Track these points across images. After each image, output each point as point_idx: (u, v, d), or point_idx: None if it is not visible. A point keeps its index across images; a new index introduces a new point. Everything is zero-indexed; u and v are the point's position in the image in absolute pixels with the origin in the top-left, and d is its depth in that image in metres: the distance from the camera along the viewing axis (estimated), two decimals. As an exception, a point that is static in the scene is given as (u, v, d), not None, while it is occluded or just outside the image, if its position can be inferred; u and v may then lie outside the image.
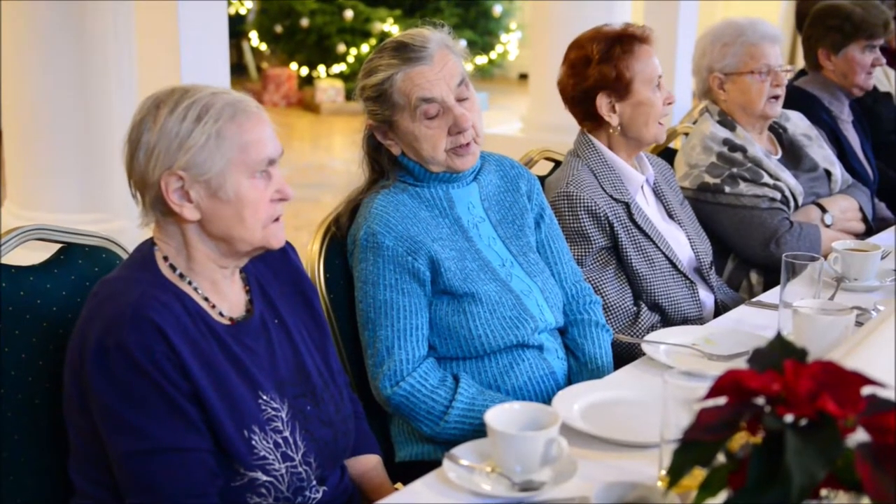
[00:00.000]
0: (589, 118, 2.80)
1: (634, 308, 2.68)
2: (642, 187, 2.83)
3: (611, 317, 2.62)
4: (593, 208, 2.66)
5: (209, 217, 1.73)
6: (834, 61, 3.78)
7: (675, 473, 1.20)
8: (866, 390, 1.17)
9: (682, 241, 2.86)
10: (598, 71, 2.73)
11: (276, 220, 1.80)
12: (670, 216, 2.90)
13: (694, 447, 1.20)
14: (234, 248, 1.78)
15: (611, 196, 2.72)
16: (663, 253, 2.75)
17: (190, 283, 1.77)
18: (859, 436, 1.15)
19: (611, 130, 2.78)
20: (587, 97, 2.76)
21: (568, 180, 2.70)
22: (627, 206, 2.73)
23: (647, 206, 2.83)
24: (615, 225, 2.68)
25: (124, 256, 2.04)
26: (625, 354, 2.50)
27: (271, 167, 1.77)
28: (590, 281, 2.61)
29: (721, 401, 1.21)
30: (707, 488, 1.20)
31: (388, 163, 2.30)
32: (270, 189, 1.77)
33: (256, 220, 1.76)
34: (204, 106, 1.71)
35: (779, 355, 1.23)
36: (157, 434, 1.65)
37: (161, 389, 1.65)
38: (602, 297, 2.60)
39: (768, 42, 3.26)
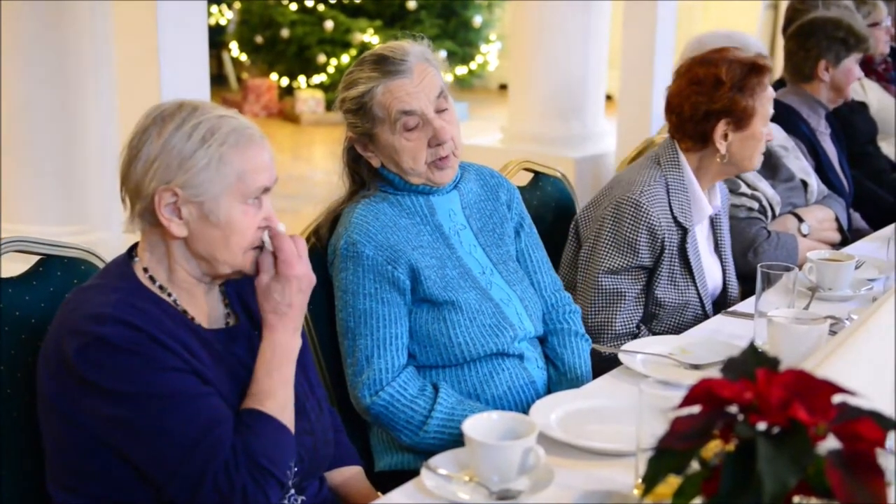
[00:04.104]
0: (695, 139, 2.73)
1: (635, 330, 2.67)
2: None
3: (605, 334, 2.62)
4: (655, 228, 2.63)
5: (196, 236, 1.75)
6: (832, 73, 3.80)
7: (650, 481, 1.22)
8: (837, 398, 1.19)
9: (716, 277, 2.85)
10: (730, 97, 2.66)
11: (258, 247, 1.81)
12: (717, 248, 2.89)
13: (668, 455, 1.21)
14: (215, 269, 1.79)
15: (675, 218, 2.68)
16: (696, 289, 2.73)
17: (169, 294, 1.78)
18: (830, 443, 1.17)
19: (718, 158, 2.72)
20: (706, 119, 2.69)
21: (642, 189, 2.66)
22: (685, 232, 2.70)
23: (701, 236, 2.81)
24: (666, 250, 2.66)
25: (103, 268, 2.04)
26: (603, 365, 2.51)
27: (264, 195, 1.79)
28: (607, 288, 2.62)
29: (695, 409, 1.23)
30: (681, 496, 1.22)
31: (368, 174, 2.31)
32: (259, 217, 1.79)
33: (241, 246, 1.77)
34: (210, 128, 1.72)
35: (751, 364, 1.25)
36: (162, 382, 1.65)
37: (153, 363, 1.65)
38: (612, 309, 2.61)
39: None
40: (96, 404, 1.67)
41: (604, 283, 2.65)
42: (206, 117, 1.73)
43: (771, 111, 2.75)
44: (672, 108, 2.77)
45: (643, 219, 2.62)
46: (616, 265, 2.64)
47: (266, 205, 1.80)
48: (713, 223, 2.89)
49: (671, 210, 2.68)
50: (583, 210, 2.86)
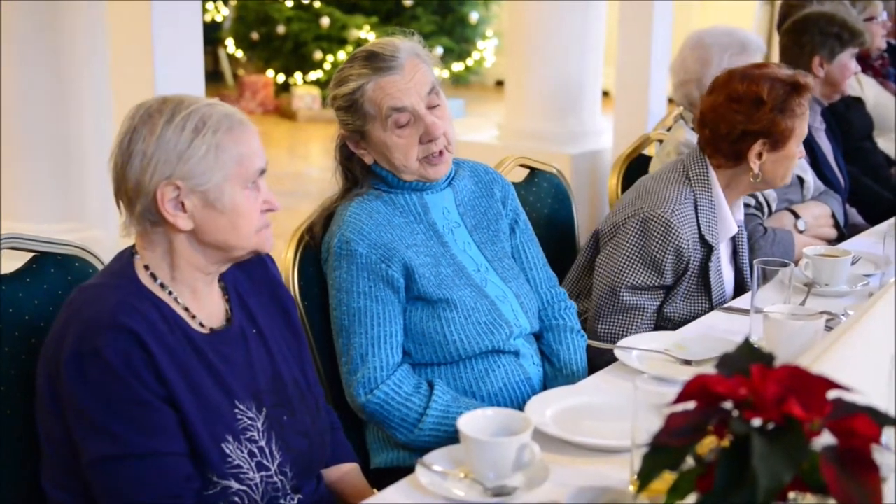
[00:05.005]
0: (728, 156, 2.65)
1: None
2: None
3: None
4: (683, 250, 2.57)
5: (203, 226, 1.74)
6: (827, 68, 3.80)
7: (645, 477, 1.21)
8: (831, 394, 1.19)
9: (730, 288, 2.81)
10: (770, 118, 2.57)
11: (267, 227, 1.82)
12: (734, 257, 2.86)
13: (663, 451, 1.21)
14: (227, 255, 1.80)
15: (701, 237, 2.62)
16: (711, 307, 2.68)
17: (170, 292, 1.78)
18: (825, 439, 1.17)
19: (750, 178, 2.65)
20: (743, 138, 2.61)
21: (673, 207, 2.58)
22: (710, 251, 2.65)
23: (724, 252, 2.77)
24: (689, 270, 2.61)
25: (98, 266, 2.03)
26: (599, 361, 2.50)
27: (260, 178, 1.80)
28: (628, 303, 2.59)
29: (690, 406, 1.23)
30: (676, 492, 1.21)
31: (360, 171, 2.31)
32: (260, 199, 1.80)
33: (250, 229, 1.78)
34: (201, 117, 1.72)
35: (746, 360, 1.24)
36: (130, 438, 1.66)
37: (137, 394, 1.65)
38: (628, 322, 2.59)
39: (761, 54, 3.32)
40: (69, 411, 1.68)
41: (624, 298, 2.61)
42: (194, 107, 1.73)
43: (806, 130, 2.68)
44: (706, 122, 2.67)
45: (672, 240, 2.56)
46: (640, 282, 2.59)
47: (264, 187, 1.81)
48: (734, 238, 2.85)
49: (699, 228, 2.62)
50: (605, 219, 2.79)
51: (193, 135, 1.70)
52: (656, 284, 2.61)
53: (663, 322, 2.67)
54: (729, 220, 2.70)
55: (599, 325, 2.63)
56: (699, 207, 2.63)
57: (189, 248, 1.77)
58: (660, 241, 2.57)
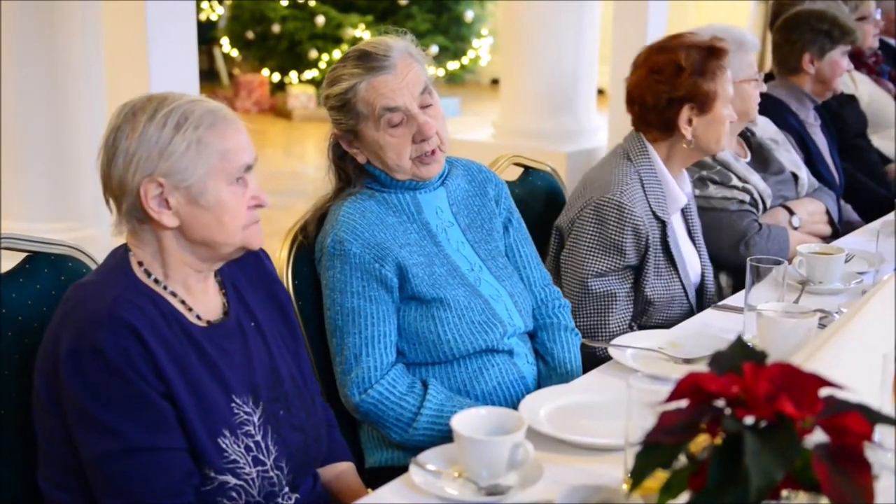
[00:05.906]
0: (660, 127, 2.72)
1: (628, 329, 2.65)
2: None
3: (600, 335, 2.61)
4: (639, 226, 2.61)
5: (188, 223, 1.74)
6: (817, 65, 3.81)
7: (638, 476, 1.21)
8: (824, 392, 1.19)
9: (695, 266, 2.84)
10: (692, 83, 2.66)
11: (256, 223, 1.82)
12: (691, 236, 2.88)
13: (655, 450, 1.21)
14: (216, 252, 1.79)
15: (653, 212, 2.67)
16: (681, 281, 2.72)
17: (165, 287, 1.78)
18: (817, 437, 1.17)
19: (684, 144, 2.71)
20: (669, 106, 2.68)
21: (622, 188, 2.64)
22: (664, 225, 2.69)
23: (678, 226, 2.80)
24: (650, 246, 2.64)
25: (91, 265, 2.03)
26: (593, 359, 2.50)
27: (247, 174, 1.79)
28: (597, 291, 2.61)
29: (682, 404, 1.23)
30: (668, 490, 1.21)
31: (353, 170, 2.31)
32: (247, 196, 1.79)
33: (236, 225, 1.77)
34: (183, 113, 1.72)
35: (738, 358, 1.24)
36: (132, 434, 1.66)
37: (136, 389, 1.65)
38: (605, 311, 2.60)
39: (756, 52, 3.33)
40: (69, 409, 1.68)
41: (593, 287, 2.63)
42: (176, 104, 1.73)
43: (731, 92, 2.75)
44: (633, 99, 2.76)
45: (627, 219, 2.61)
46: (603, 267, 2.63)
47: (252, 183, 1.80)
48: (684, 212, 2.89)
49: (648, 203, 2.67)
50: (560, 217, 2.82)
51: (174, 131, 1.70)
52: (620, 266, 2.64)
53: (645, 304, 2.69)
54: (676, 191, 2.74)
55: (577, 320, 2.62)
56: (645, 183, 2.69)
57: (177, 247, 1.77)
58: (616, 224, 2.61)
